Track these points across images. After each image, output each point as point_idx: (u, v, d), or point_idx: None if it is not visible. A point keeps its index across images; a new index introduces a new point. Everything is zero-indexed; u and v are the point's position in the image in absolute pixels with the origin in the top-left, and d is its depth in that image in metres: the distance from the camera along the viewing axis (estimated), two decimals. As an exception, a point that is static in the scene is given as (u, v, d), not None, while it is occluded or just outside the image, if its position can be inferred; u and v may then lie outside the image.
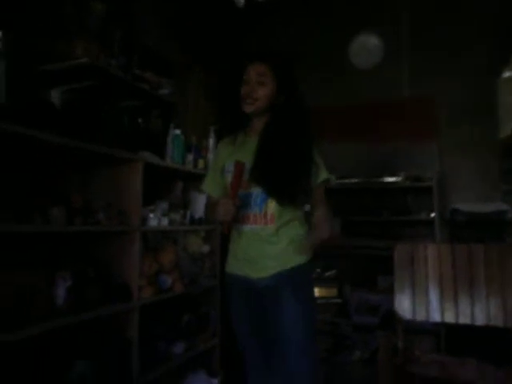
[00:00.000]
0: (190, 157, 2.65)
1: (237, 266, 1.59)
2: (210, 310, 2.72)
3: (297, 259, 1.52)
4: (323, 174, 1.58)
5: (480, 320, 2.16)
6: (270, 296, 1.51)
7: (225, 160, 1.59)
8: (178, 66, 3.19)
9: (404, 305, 2.29)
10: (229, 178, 1.51)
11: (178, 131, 2.54)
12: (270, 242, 1.51)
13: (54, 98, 1.93)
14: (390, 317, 2.33)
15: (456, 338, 2.76)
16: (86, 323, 1.81)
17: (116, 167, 2.17)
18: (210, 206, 1.64)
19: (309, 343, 1.49)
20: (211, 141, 2.80)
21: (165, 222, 2.35)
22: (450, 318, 2.21)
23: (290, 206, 1.52)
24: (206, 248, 2.73)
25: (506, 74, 3.35)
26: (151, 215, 2.27)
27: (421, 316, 2.26)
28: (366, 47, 3.95)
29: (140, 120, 2.43)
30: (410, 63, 3.84)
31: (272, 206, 1.50)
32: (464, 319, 2.19)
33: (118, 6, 2.40)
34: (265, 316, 1.54)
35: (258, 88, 1.52)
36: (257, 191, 1.50)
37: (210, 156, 2.80)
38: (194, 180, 2.79)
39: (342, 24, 4.04)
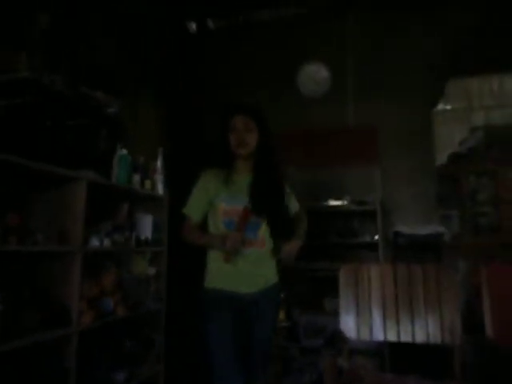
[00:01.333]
0: (137, 177, 2.60)
1: (224, 281, 1.75)
2: (154, 334, 2.63)
3: (275, 278, 1.86)
4: (296, 207, 1.97)
5: (420, 338, 2.23)
6: (254, 310, 1.75)
7: (216, 192, 1.80)
8: (129, 87, 3.17)
9: (349, 325, 2.32)
10: (222, 206, 1.77)
11: (124, 151, 2.50)
12: (263, 262, 1.80)
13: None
14: (336, 337, 2.35)
15: (399, 357, 2.82)
16: (20, 350, 1.70)
17: (58, 186, 2.10)
18: (196, 233, 1.81)
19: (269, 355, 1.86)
20: (159, 162, 2.77)
21: (108, 243, 2.28)
22: (392, 336, 2.27)
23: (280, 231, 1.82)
24: (151, 270, 2.67)
25: (440, 106, 3.61)
26: (94, 236, 2.20)
27: (365, 335, 2.30)
28: (314, 78, 4.12)
29: (86, 138, 2.37)
30: (354, 94, 4.04)
31: (262, 232, 1.79)
32: (405, 337, 2.25)
33: (67, 21, 2.37)
34: (245, 327, 1.73)
35: (247, 135, 1.79)
36: (254, 219, 1.75)
37: (158, 177, 2.78)
38: (141, 201, 2.75)
39: (292, 55, 4.19)
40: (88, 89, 2.33)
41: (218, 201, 1.78)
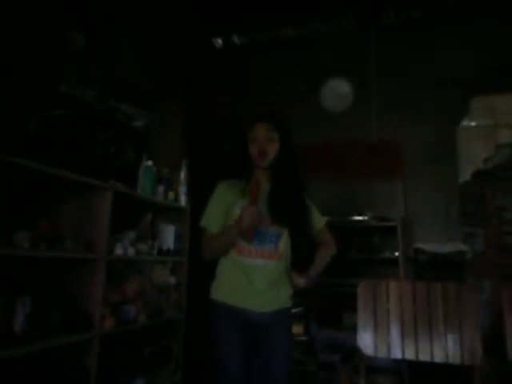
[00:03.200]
0: (161, 188, 2.68)
1: (234, 298, 1.64)
2: (173, 343, 2.67)
3: (289, 301, 1.74)
4: (322, 221, 1.87)
5: (439, 357, 2.20)
6: (266, 331, 1.63)
7: (231, 201, 1.71)
8: (155, 100, 3.27)
9: (366, 341, 2.31)
10: (237, 212, 1.62)
11: (149, 162, 2.58)
12: (279, 278, 1.69)
13: (30, 124, 1.96)
14: (353, 354, 2.34)
15: (418, 375, 2.78)
16: (45, 351, 1.77)
17: (86, 195, 2.19)
18: (211, 238, 1.71)
19: (292, 375, 1.65)
20: (183, 174, 2.85)
21: (131, 251, 2.35)
22: (410, 354, 2.24)
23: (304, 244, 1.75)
24: (172, 280, 2.72)
25: (465, 123, 3.58)
26: (118, 244, 2.27)
27: (382, 353, 2.28)
28: (338, 93, 4.15)
29: (113, 150, 2.46)
30: (378, 109, 4.05)
31: (283, 244, 1.69)
32: (424, 356, 2.22)
33: (98, 37, 2.49)
34: (255, 347, 1.63)
35: (269, 144, 1.70)
36: (273, 229, 1.67)
37: (182, 189, 2.84)
38: (164, 211, 2.82)
39: (315, 70, 4.24)
40: (116, 102, 2.43)
41: (235, 208, 1.67)
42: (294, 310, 3.53)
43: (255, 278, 1.63)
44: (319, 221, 1.85)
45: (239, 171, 1.77)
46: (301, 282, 1.69)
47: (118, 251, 2.26)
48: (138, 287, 2.34)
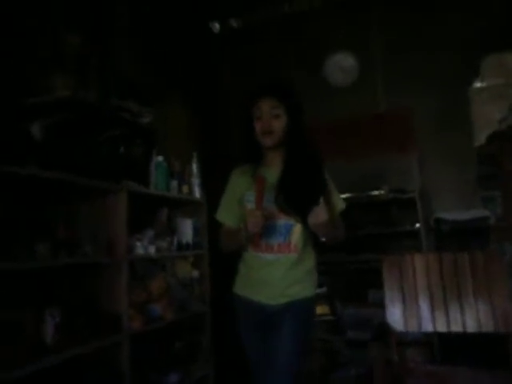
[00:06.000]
0: (175, 183, 2.65)
1: (250, 291, 1.64)
2: (201, 336, 2.68)
3: (308, 291, 1.63)
4: (341, 205, 1.66)
5: (471, 327, 2.18)
6: (277, 322, 1.57)
7: (243, 191, 1.62)
8: (158, 94, 3.22)
9: (395, 317, 2.30)
10: (248, 207, 1.55)
11: (160, 158, 2.55)
12: (291, 271, 1.59)
13: (35, 131, 1.93)
14: (383, 330, 2.32)
15: (449, 346, 2.76)
16: (77, 358, 1.77)
17: (101, 198, 2.17)
18: (226, 234, 1.67)
19: (296, 369, 1.56)
20: (194, 166, 2.81)
21: (152, 249, 2.34)
22: (441, 327, 2.22)
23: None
24: (195, 273, 2.72)
25: (477, 85, 3.47)
26: (138, 243, 2.26)
27: (413, 327, 2.27)
28: (341, 67, 4.05)
29: (122, 149, 2.42)
30: (385, 77, 3.94)
31: (295, 235, 1.57)
32: (456, 327, 2.20)
33: (93, 35, 2.43)
34: (268, 337, 1.59)
35: (274, 121, 1.56)
36: (283, 221, 1.55)
37: (195, 181, 2.81)
38: (180, 206, 2.80)
39: (317, 45, 4.13)
40: (119, 101, 2.38)
41: (244, 202, 1.59)
42: (317, 291, 3.55)
43: (265, 273, 1.59)
44: (338, 203, 1.64)
45: (249, 155, 1.66)
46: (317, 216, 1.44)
47: (139, 251, 2.26)
48: (163, 284, 2.33)
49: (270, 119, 1.56)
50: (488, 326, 2.15)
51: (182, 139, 3.43)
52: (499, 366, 2.01)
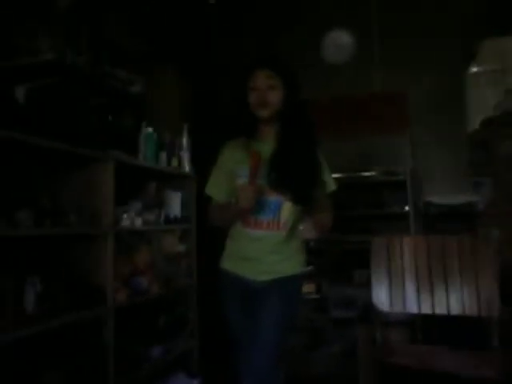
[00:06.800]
0: (164, 155, 2.59)
1: (238, 266, 1.63)
2: (186, 310, 2.68)
3: (295, 269, 1.61)
4: (332, 185, 1.64)
5: (455, 310, 2.20)
6: (262, 298, 1.56)
7: (234, 165, 1.59)
8: (150, 63, 3.12)
9: (381, 297, 2.31)
10: (240, 182, 1.52)
11: (150, 129, 2.48)
12: (279, 248, 1.58)
13: (19, 95, 1.84)
14: (368, 310, 2.34)
15: (432, 328, 2.80)
16: (60, 328, 1.75)
17: (86, 167, 2.10)
18: (216, 209, 1.64)
19: (280, 344, 1.56)
20: (185, 139, 2.75)
21: (139, 222, 2.30)
22: (426, 309, 2.25)
23: (306, 212, 1.59)
24: (181, 248, 2.69)
25: (472, 69, 3.43)
26: (124, 215, 2.21)
27: (398, 308, 2.29)
28: (338, 44, 3.98)
29: (110, 118, 2.35)
30: (381, 59, 3.89)
31: (285, 213, 1.55)
32: (440, 310, 2.23)
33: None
34: (253, 312, 1.59)
35: (270, 93, 1.53)
36: (274, 198, 1.53)
37: (185, 154, 2.75)
38: (168, 179, 2.74)
39: (314, 22, 4.04)
40: (111, 68, 2.30)
41: (237, 176, 1.56)
42: (304, 270, 3.56)
43: (253, 249, 1.58)
44: (329, 184, 1.64)
45: (242, 127, 1.63)
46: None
47: (125, 222, 2.21)
48: (148, 257, 2.30)
49: (266, 90, 1.52)
50: (472, 310, 2.17)
51: (173, 110, 3.35)
52: (479, 347, 2.05)
